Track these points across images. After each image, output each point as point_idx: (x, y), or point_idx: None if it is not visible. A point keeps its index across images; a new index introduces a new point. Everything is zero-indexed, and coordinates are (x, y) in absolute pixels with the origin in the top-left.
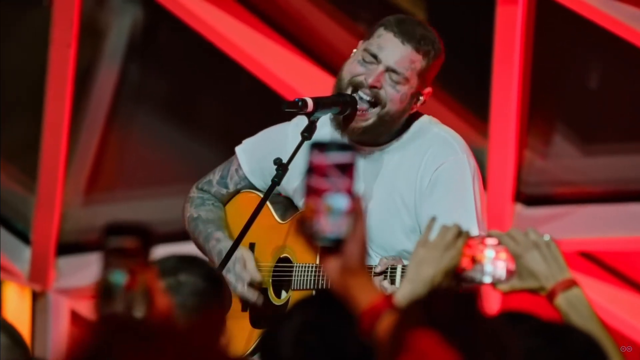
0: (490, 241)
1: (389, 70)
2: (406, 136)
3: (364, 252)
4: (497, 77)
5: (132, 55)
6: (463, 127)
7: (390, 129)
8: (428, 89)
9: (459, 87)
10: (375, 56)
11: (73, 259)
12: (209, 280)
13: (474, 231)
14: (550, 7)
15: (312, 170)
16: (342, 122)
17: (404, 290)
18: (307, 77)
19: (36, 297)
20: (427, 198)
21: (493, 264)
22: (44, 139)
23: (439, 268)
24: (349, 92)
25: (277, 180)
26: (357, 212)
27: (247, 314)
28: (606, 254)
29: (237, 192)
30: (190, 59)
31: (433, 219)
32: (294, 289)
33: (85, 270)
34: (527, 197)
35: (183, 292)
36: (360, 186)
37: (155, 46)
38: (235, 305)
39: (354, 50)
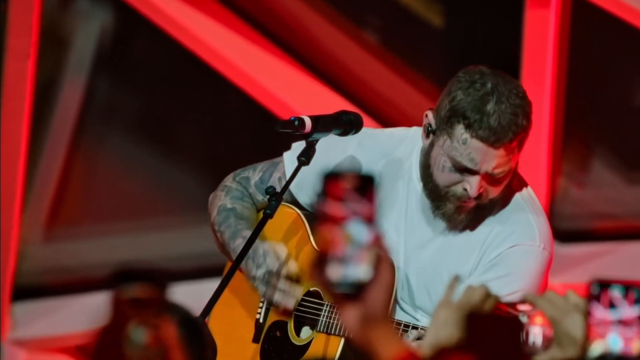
0: (524, 305)
1: (489, 174)
2: (501, 213)
3: (389, 300)
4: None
5: (101, 66)
6: None
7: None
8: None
9: None
10: (469, 169)
11: (31, 305)
12: (187, 327)
13: None
14: (588, 12)
15: (325, 195)
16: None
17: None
18: (305, 93)
19: None
20: (483, 273)
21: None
22: None
23: (463, 333)
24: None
25: (269, 213)
26: (381, 251)
27: (258, 347)
28: None
29: None
30: (168, 72)
31: (456, 278)
32: (319, 331)
33: (46, 318)
34: (562, 232)
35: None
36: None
37: (128, 56)
38: (246, 333)
39: (425, 131)
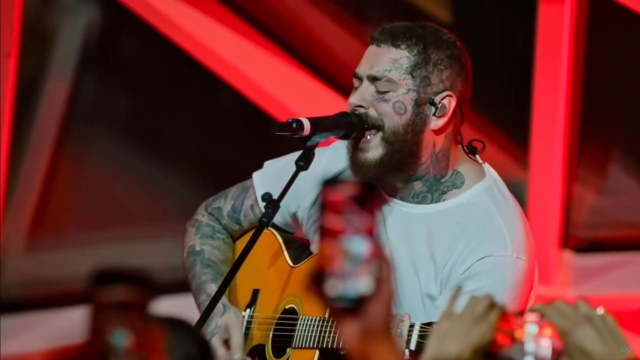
0: (532, 316)
1: (371, 80)
2: (452, 203)
3: (390, 313)
4: (539, 94)
5: (87, 65)
6: (498, 155)
7: (408, 156)
8: (445, 93)
9: (492, 106)
10: (356, 75)
11: (15, 319)
12: (200, 345)
13: None
14: (605, 6)
15: (325, 207)
16: (352, 154)
17: None
18: (304, 93)
19: None
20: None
21: (535, 342)
22: None
23: (467, 345)
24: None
25: (266, 221)
26: (383, 263)
27: None
28: None
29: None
30: (158, 70)
31: (459, 288)
32: (294, 347)
33: (30, 332)
34: (578, 242)
35: (173, 358)
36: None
37: (116, 54)
38: None
39: None
